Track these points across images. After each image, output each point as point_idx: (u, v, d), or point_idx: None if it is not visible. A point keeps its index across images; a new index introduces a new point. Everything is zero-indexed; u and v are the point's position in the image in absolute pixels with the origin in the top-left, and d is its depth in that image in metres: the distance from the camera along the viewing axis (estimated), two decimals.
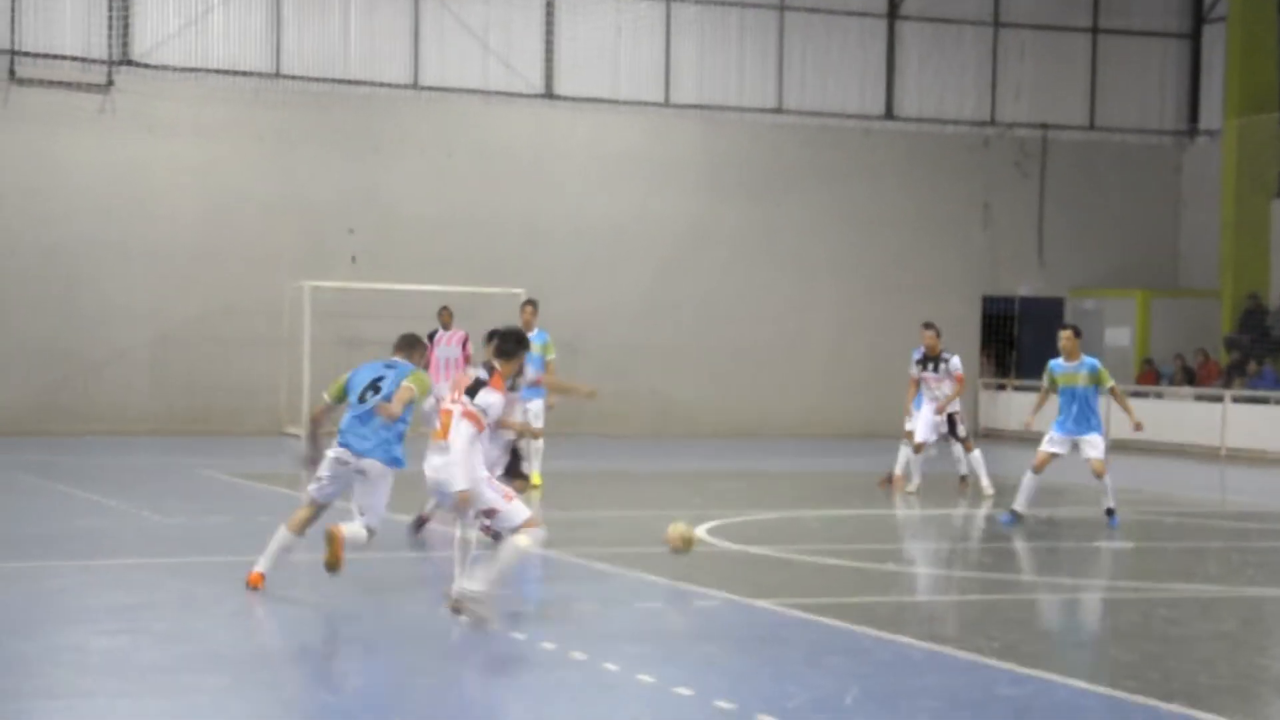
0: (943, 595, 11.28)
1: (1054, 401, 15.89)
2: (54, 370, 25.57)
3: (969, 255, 30.71)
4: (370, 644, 9.04)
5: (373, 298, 26.14)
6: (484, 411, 9.36)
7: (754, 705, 7.51)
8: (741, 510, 16.02)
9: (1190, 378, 28.93)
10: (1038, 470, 15.30)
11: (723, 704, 7.60)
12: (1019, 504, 15.20)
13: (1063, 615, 10.37)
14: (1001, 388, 31.06)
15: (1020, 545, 14.42)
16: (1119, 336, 30.56)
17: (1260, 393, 27.36)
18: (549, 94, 28.38)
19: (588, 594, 10.99)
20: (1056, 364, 15.72)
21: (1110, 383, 15.66)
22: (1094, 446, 15.31)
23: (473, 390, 9.41)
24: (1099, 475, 15.29)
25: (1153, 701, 7.82)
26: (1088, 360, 15.61)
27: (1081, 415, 15.37)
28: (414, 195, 27.41)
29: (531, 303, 17.84)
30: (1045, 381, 15.91)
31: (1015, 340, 31.64)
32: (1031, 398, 30.18)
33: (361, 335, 26.69)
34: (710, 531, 14.11)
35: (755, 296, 29.27)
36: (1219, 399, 27.22)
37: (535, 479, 16.70)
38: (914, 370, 18.39)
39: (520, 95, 28.18)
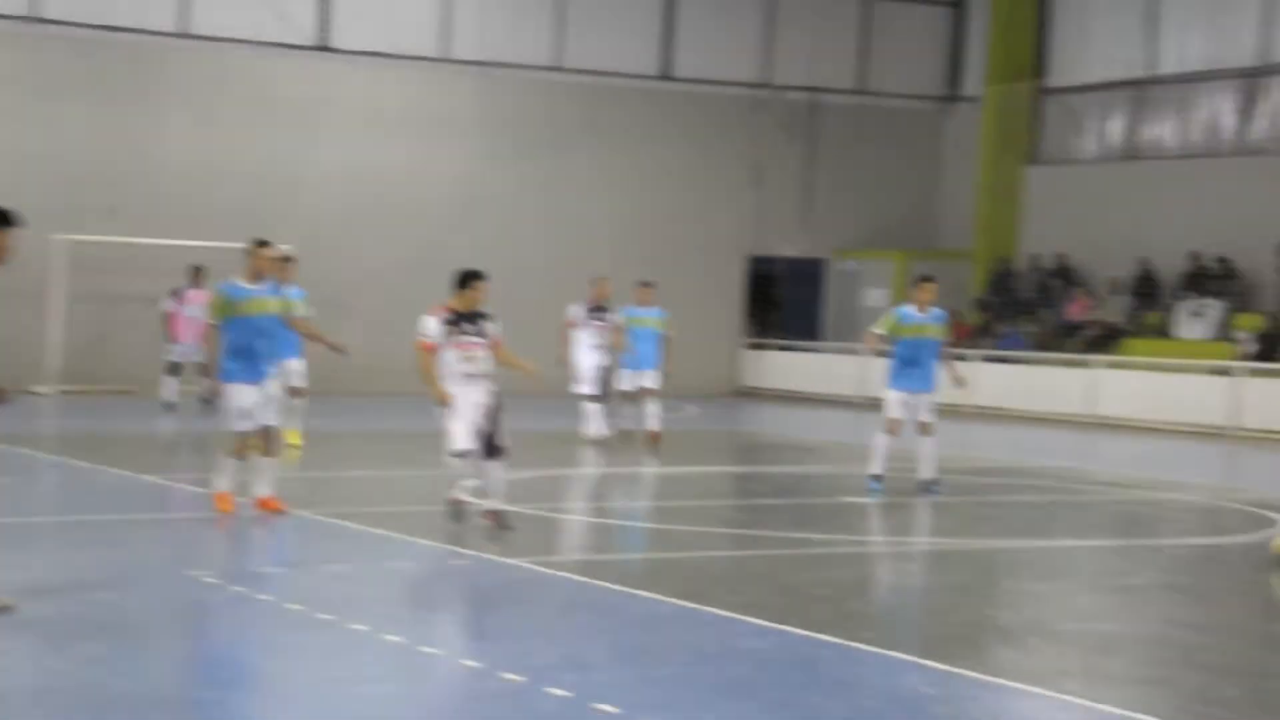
0: (691, 551, 11.51)
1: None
2: None
3: (739, 216, 31.18)
4: (112, 609, 8.87)
5: (134, 252, 25.44)
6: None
7: (501, 663, 7.58)
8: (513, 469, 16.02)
9: None
10: (891, 434, 14.50)
11: (470, 662, 7.66)
12: (876, 468, 14.53)
13: (805, 570, 10.67)
14: (763, 347, 31.67)
15: (768, 503, 14.76)
16: (876, 297, 31.37)
17: (1005, 352, 28.41)
18: (323, 46, 27.90)
19: (338, 554, 10.94)
20: (907, 313, 14.68)
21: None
22: (931, 408, 14.63)
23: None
24: (926, 435, 14.59)
25: (886, 651, 8.12)
26: (938, 311, 14.79)
27: (928, 366, 14.54)
28: (180, 148, 26.69)
29: (287, 258, 17.37)
30: (884, 328, 14.76)
31: (778, 301, 32.28)
32: (793, 357, 31.24)
33: (121, 291, 25.99)
34: (468, 491, 14.12)
35: (530, 255, 29.25)
36: (969, 359, 28.16)
37: (294, 439, 16.49)
38: (577, 316, 18.80)
39: (294, 47, 27.64)
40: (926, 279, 14.89)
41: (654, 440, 18.20)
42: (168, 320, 22.83)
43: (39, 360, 23.90)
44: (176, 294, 22.85)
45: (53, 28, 25.84)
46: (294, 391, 16.41)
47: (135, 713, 6.66)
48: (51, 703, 6.80)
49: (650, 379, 18.55)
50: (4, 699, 6.79)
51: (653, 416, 18.29)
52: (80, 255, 24.97)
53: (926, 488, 14.54)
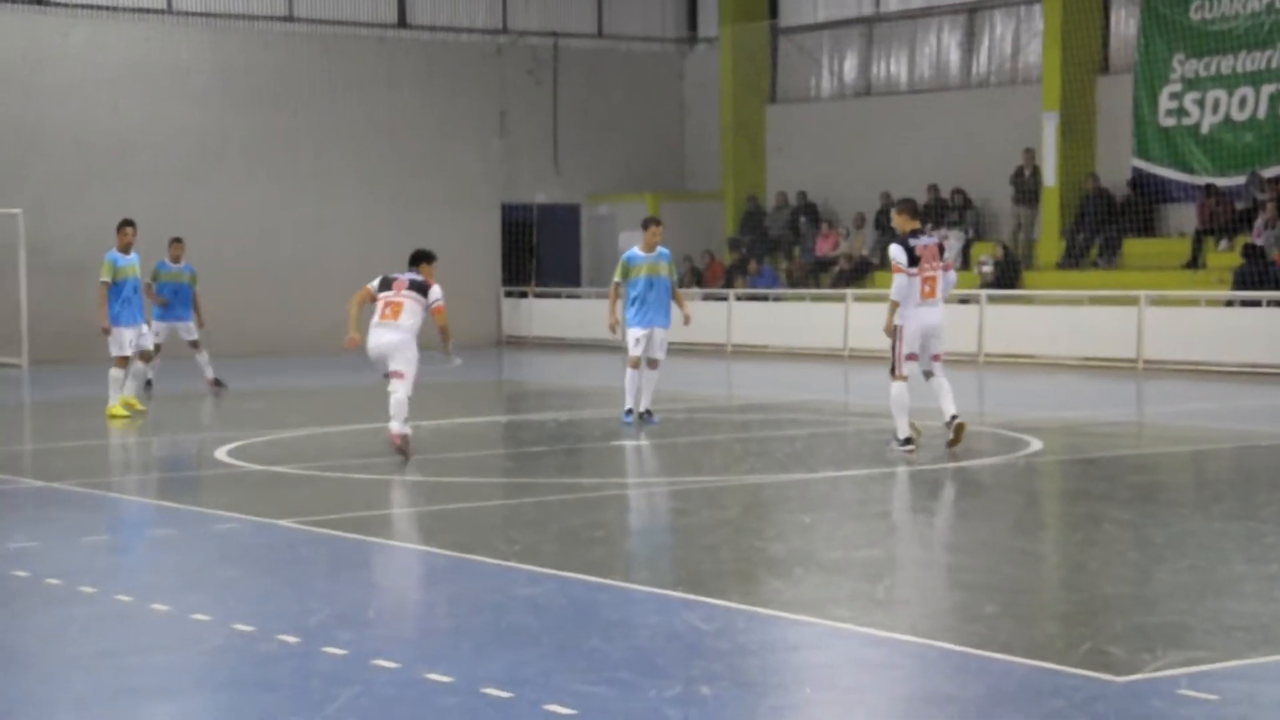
0: (465, 502, 11.48)
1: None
2: None
3: (488, 164, 31.05)
4: None
5: None
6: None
7: (275, 625, 7.47)
8: (262, 430, 15.78)
9: (698, 279, 30.29)
10: (635, 369, 15.52)
11: (242, 626, 7.52)
12: (630, 402, 15.48)
13: (580, 515, 10.74)
14: (523, 295, 31.66)
15: (537, 450, 14.82)
16: (631, 240, 31.57)
17: (760, 290, 28.96)
18: (38, 1, 26.79)
19: (97, 525, 10.61)
20: (635, 254, 15.69)
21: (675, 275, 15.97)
22: (663, 344, 15.65)
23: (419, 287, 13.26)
24: (652, 369, 15.61)
25: (661, 590, 8.24)
26: (663, 250, 15.77)
27: (660, 302, 15.50)
28: None
29: None
30: (619, 275, 15.75)
31: (534, 248, 32.28)
32: (553, 304, 31.30)
33: None
34: (230, 453, 13.86)
35: (273, 210, 28.69)
36: (724, 298, 28.64)
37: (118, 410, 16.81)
38: None
39: (9, 1, 26.49)
40: (653, 221, 15.92)
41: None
42: None
43: None
44: None
45: None
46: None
47: None
48: None
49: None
50: None
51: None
52: None
53: (644, 418, 15.53)
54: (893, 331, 13.15)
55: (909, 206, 13.42)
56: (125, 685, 6.67)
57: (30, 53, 26.70)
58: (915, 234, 13.25)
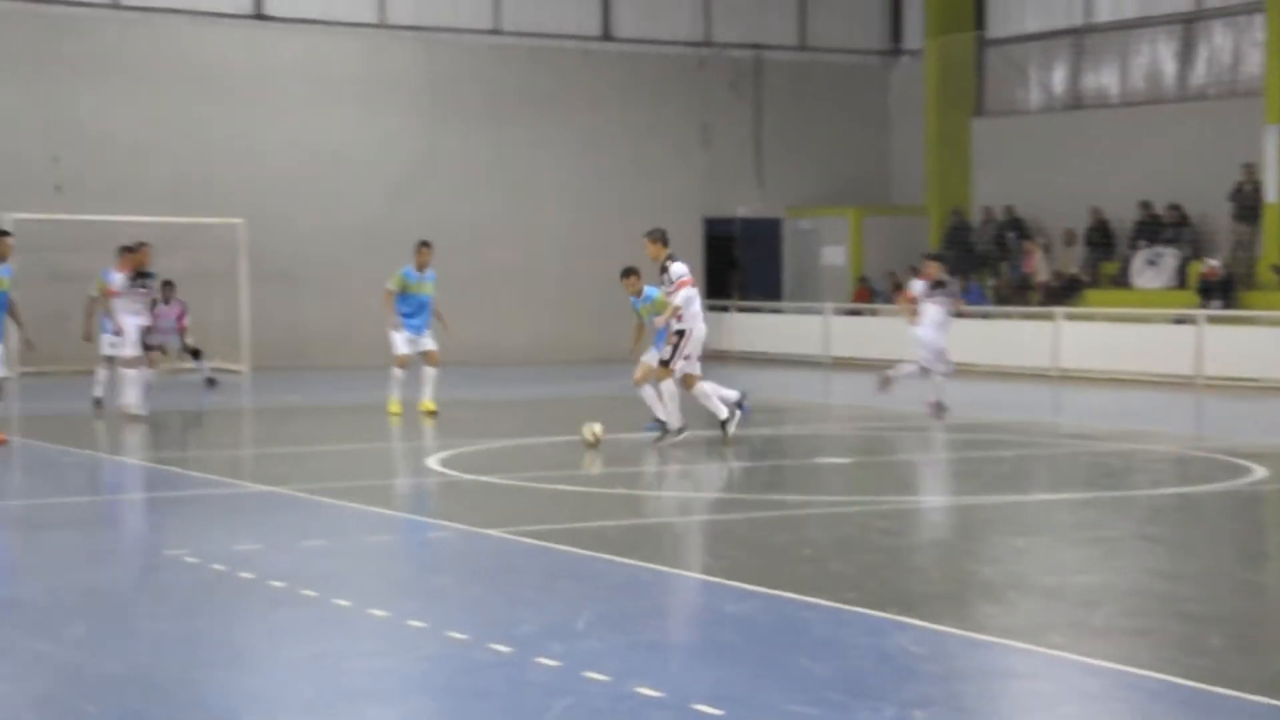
0: (671, 517, 11.50)
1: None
2: None
3: (690, 176, 31.12)
4: (93, 591, 8.78)
5: (81, 229, 25.17)
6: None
7: (487, 634, 7.55)
8: (473, 440, 16.02)
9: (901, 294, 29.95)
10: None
11: (456, 634, 7.62)
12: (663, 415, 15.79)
13: (786, 532, 10.68)
14: (725, 309, 31.66)
15: (744, 465, 14.78)
16: (835, 255, 31.45)
17: (967, 307, 28.50)
18: (259, 14, 27.64)
19: (317, 529, 10.87)
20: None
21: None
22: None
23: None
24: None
25: (870, 611, 8.14)
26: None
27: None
28: (121, 121, 26.44)
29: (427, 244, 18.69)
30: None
31: (737, 262, 32.26)
32: (756, 318, 31.16)
33: (73, 269, 25.71)
34: (442, 462, 14.10)
35: (482, 223, 29.15)
36: None
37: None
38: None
39: (228, 15, 27.38)
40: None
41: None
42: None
43: None
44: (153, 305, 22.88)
45: None
46: None
47: (125, 694, 6.59)
48: (38, 687, 6.72)
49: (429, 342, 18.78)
50: None
51: (428, 382, 18.43)
52: (26, 234, 24.66)
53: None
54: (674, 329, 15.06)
55: (660, 236, 15.49)
56: (345, 688, 6.80)
57: (249, 66, 27.56)
58: (671, 258, 15.27)
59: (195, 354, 23.09)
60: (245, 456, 15.80)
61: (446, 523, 10.86)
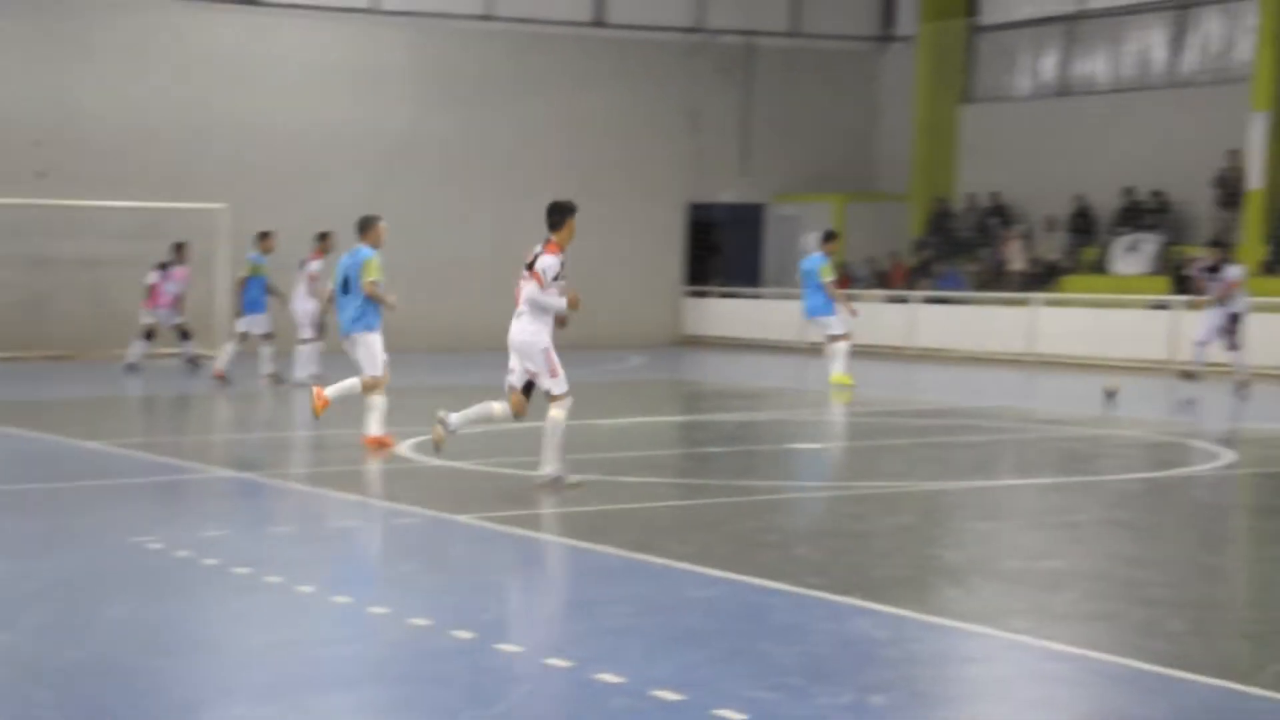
0: (639, 503, 11.52)
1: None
2: None
3: (677, 162, 31.12)
4: (56, 578, 8.78)
5: (65, 215, 25.11)
6: (543, 272, 11.67)
7: (449, 621, 7.56)
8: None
9: (882, 280, 30.00)
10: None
11: (418, 621, 7.63)
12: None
13: (753, 517, 10.70)
14: (704, 295, 31.68)
15: (714, 451, 14.79)
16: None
17: (943, 293, 28.57)
18: (250, 0, 27.58)
19: (285, 516, 10.87)
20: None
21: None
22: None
23: (533, 261, 11.84)
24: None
25: (833, 596, 8.16)
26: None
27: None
28: (107, 105, 26.38)
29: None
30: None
31: (718, 247, 32.28)
32: (735, 304, 31.19)
33: (54, 254, 25.66)
34: (414, 447, 14.10)
35: (468, 206, 29.14)
36: (906, 301, 28.30)
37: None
38: None
39: (219, 1, 27.31)
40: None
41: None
42: (150, 291, 22.81)
43: None
44: (164, 268, 22.84)
45: None
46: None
47: (86, 682, 6.60)
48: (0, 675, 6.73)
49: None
50: None
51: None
52: (9, 218, 24.62)
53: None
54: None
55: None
56: (304, 675, 6.81)
57: (240, 51, 27.49)
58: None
59: (184, 334, 23.07)
60: (217, 441, 15.79)
61: (415, 508, 10.86)
